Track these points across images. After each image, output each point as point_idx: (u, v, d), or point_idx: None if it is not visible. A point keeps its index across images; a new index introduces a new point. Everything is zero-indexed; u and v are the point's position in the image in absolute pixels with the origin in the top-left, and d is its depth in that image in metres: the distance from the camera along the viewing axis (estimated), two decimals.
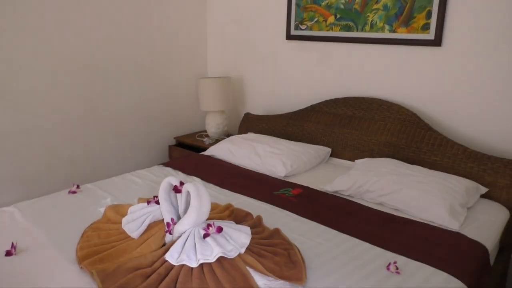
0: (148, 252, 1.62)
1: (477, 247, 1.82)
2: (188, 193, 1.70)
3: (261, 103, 3.60)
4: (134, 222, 1.75)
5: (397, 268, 1.59)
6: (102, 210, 2.03)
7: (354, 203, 2.19)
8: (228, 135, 3.73)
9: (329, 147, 2.91)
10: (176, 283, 1.44)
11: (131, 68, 3.39)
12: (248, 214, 1.96)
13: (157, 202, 1.82)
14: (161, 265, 1.52)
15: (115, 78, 3.30)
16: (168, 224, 1.67)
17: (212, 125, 3.62)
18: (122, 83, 3.35)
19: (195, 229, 1.60)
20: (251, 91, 3.67)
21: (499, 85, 2.36)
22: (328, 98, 3.07)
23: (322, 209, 2.12)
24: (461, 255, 1.74)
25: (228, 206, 1.99)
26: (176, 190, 1.70)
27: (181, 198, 1.71)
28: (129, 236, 1.73)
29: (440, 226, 1.97)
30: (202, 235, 1.57)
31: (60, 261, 1.62)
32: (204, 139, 3.61)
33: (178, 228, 1.63)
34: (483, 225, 2.01)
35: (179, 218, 1.73)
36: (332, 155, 2.90)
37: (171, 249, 1.55)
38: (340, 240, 1.82)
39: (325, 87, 3.12)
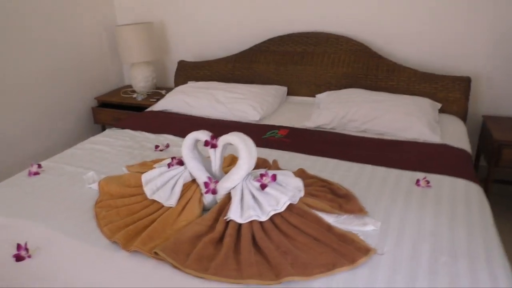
0: (194, 218, 1.45)
1: (464, 153, 2.06)
2: (224, 147, 1.53)
3: (188, 50, 3.33)
4: (163, 190, 1.53)
5: (428, 182, 1.72)
6: (94, 186, 1.72)
7: (345, 135, 2.26)
8: (158, 88, 3.41)
9: (284, 86, 2.89)
10: (254, 240, 1.32)
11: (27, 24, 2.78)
12: (265, 161, 1.86)
13: (180, 163, 1.61)
14: (226, 227, 1.38)
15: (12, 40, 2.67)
16: (206, 183, 1.50)
17: (140, 79, 3.26)
18: (21, 46, 2.73)
19: (245, 183, 1.47)
20: (173, 37, 3.34)
21: (428, 13, 2.59)
22: (270, 37, 2.99)
23: (320, 144, 2.13)
24: (459, 162, 1.95)
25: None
26: (211, 145, 1.51)
27: (215, 153, 1.54)
28: (160, 206, 1.51)
29: (425, 141, 2.17)
30: (259, 186, 1.46)
31: (93, 251, 1.34)
32: (134, 95, 3.24)
33: (224, 185, 1.48)
34: (453, 134, 2.27)
35: (213, 175, 1.56)
36: (288, 94, 2.89)
37: (231, 207, 1.40)
38: (359, 169, 1.88)
39: (263, 25, 3.01)
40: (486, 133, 2.50)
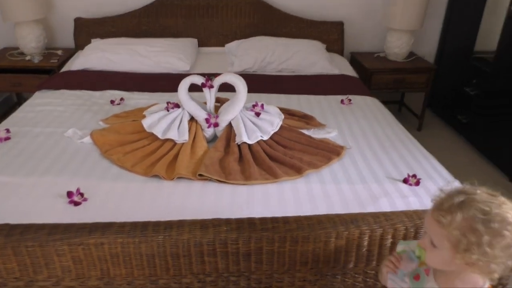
0: (205, 148, 1.75)
1: (357, 79, 2.75)
2: (217, 87, 1.82)
3: (76, 6, 3.18)
4: (172, 129, 1.75)
5: (350, 101, 2.33)
6: (86, 140, 1.81)
7: (269, 75, 2.71)
8: (49, 48, 3.22)
9: (194, 38, 3.13)
10: (267, 155, 1.70)
11: None
12: (225, 99, 2.18)
13: (176, 106, 1.83)
14: (239, 148, 1.72)
15: None
16: (207, 119, 1.79)
17: (31, 39, 3.02)
18: None
19: (242, 114, 1.81)
20: None
21: None
22: None
23: (255, 84, 2.53)
24: (358, 85, 2.62)
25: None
26: (209, 86, 1.79)
27: (210, 93, 1.81)
28: (172, 143, 1.74)
29: (328, 73, 2.78)
30: (254, 114, 1.82)
31: (137, 186, 1.53)
32: (28, 57, 3.02)
33: (225, 118, 1.79)
34: (342, 67, 2.94)
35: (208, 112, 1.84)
36: (199, 45, 3.15)
37: (238, 133, 1.74)
38: (294, 99, 2.37)
39: None
40: (357, 64, 3.25)
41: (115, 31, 3.09)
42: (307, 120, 2.02)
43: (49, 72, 2.94)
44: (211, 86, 1.79)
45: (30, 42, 3.03)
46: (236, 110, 1.79)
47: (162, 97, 2.32)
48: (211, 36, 3.15)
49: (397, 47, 3.14)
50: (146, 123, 1.79)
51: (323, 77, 2.72)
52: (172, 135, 1.73)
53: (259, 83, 2.56)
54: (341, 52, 3.25)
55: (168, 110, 1.82)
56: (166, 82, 2.54)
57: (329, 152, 1.76)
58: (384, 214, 1.30)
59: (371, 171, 1.66)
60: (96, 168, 1.62)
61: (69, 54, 3.13)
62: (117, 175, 1.59)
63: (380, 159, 1.76)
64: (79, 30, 3.08)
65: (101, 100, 2.26)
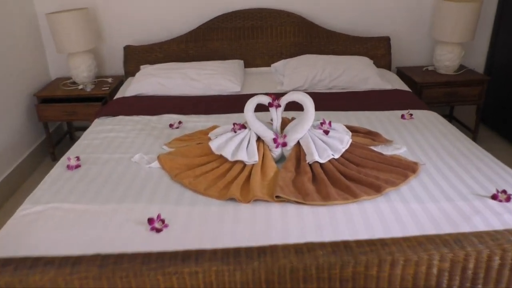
0: (275, 169, 1.71)
1: (410, 93, 2.68)
2: (283, 106, 1.79)
3: (124, 35, 3.27)
4: (241, 151, 1.72)
5: (411, 115, 2.26)
6: (154, 164, 1.80)
7: (322, 93, 2.67)
8: (99, 77, 3.30)
9: (240, 59, 3.15)
10: (342, 174, 1.65)
11: None
12: (292, 118, 2.14)
13: (243, 127, 1.81)
14: (311, 168, 1.67)
15: None
16: (275, 139, 1.76)
17: (83, 69, 3.11)
18: None
19: (310, 132, 1.77)
20: (106, 22, 3.24)
21: None
22: (214, 16, 3.17)
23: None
24: (413, 99, 2.55)
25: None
26: (276, 105, 1.76)
27: (276, 112, 1.79)
28: (242, 164, 1.71)
29: (381, 89, 2.73)
30: (323, 132, 1.78)
31: (214, 210, 1.50)
32: (80, 87, 3.09)
33: (294, 137, 1.76)
34: (394, 81, 2.88)
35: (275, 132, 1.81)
36: (245, 66, 3.16)
37: (309, 152, 1.70)
38: (353, 116, 2.32)
39: (203, 4, 3.16)
40: (406, 79, 3.19)
41: (163, 56, 3.14)
42: (373, 136, 1.97)
43: (100, 100, 3.00)
44: (278, 106, 1.76)
45: (82, 71, 3.11)
46: (305, 129, 1.75)
47: (218, 119, 2.32)
48: (257, 56, 3.16)
49: (448, 60, 3.06)
50: (213, 145, 1.77)
51: (376, 92, 2.67)
52: (242, 156, 1.70)
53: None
54: (388, 67, 3.20)
55: (235, 132, 1.80)
56: (220, 104, 2.54)
57: (404, 169, 1.69)
58: (488, 233, 1.22)
59: (454, 188, 1.58)
60: (170, 192, 1.61)
61: (119, 81, 3.19)
62: (192, 199, 1.56)
63: (460, 175, 1.68)
64: (128, 58, 3.15)
65: (160, 125, 2.27)
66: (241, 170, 1.69)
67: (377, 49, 3.17)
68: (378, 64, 3.16)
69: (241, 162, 1.71)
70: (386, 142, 1.94)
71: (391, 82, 2.86)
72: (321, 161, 1.68)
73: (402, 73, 3.25)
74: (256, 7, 3.18)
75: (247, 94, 2.68)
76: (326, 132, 1.78)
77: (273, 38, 3.13)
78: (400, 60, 3.38)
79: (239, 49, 3.14)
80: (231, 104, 2.54)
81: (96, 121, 2.38)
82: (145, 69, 2.91)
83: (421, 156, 1.84)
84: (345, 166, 1.69)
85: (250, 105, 1.77)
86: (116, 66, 3.34)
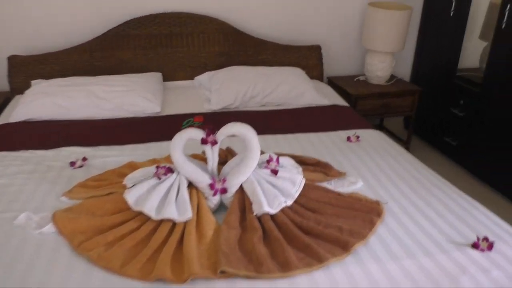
0: (215, 225, 1.34)
1: (350, 109, 2.46)
2: (220, 142, 1.42)
3: (10, 41, 2.62)
4: (168, 205, 1.32)
5: (358, 138, 2.02)
6: (47, 229, 1.32)
7: (254, 111, 2.34)
8: None
9: (157, 72, 2.70)
10: (298, 227, 1.33)
11: None
12: (229, 151, 1.78)
13: (169, 170, 1.41)
14: (260, 222, 1.33)
15: None
16: (211, 185, 1.39)
17: None
18: None
19: (255, 173, 1.43)
20: None
21: None
22: (123, 20, 2.68)
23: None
24: (354, 117, 2.33)
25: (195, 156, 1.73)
26: (211, 142, 1.38)
27: (212, 150, 1.41)
28: (170, 224, 1.31)
29: (318, 105, 2.47)
30: (270, 173, 1.44)
31: None
32: None
33: (236, 181, 1.40)
34: (329, 95, 2.66)
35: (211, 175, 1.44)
36: (164, 80, 2.72)
37: (257, 201, 1.35)
38: (288, 139, 2.03)
39: (108, 7, 2.64)
40: (338, 90, 2.98)
41: (60, 69, 2.58)
42: (324, 169, 1.68)
43: None
44: (215, 142, 1.39)
45: None
46: (249, 171, 1.40)
47: (134, 151, 1.89)
48: (177, 68, 2.74)
49: (379, 69, 2.92)
50: (131, 198, 1.35)
51: (313, 109, 2.41)
52: (170, 213, 1.30)
53: (245, 122, 2.18)
54: (321, 78, 2.98)
55: (159, 178, 1.39)
56: (136, 129, 2.10)
57: (367, 212, 1.42)
58: None
59: (427, 236, 1.34)
60: (71, 273, 1.16)
61: (3, 98, 2.57)
62: (105, 280, 1.13)
63: (428, 215, 1.45)
64: (15, 70, 2.53)
65: (57, 162, 1.76)
66: (169, 231, 1.29)
67: (308, 59, 2.93)
68: (310, 75, 2.91)
69: (169, 220, 1.31)
70: (339, 175, 1.66)
71: (327, 96, 2.62)
72: (272, 212, 1.34)
73: (333, 84, 3.05)
74: (173, 11, 2.76)
75: (169, 116, 2.26)
76: (275, 172, 1.44)
77: (195, 47, 2.73)
78: (330, 69, 3.19)
79: (155, 60, 2.69)
80: (150, 129, 2.10)
81: None
82: (37, 86, 2.34)
83: (379, 191, 1.59)
84: (301, 216, 1.37)
85: (178, 142, 1.37)
86: (0, 80, 2.69)
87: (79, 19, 2.65)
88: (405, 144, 3.10)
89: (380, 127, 3.38)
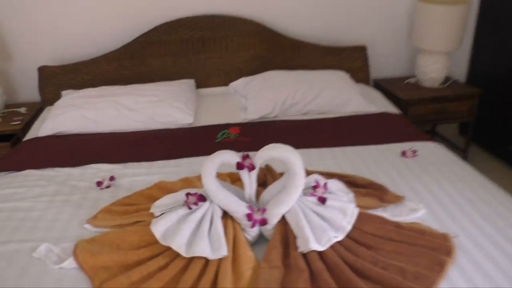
0: (254, 262, 1.15)
1: (401, 117, 2.21)
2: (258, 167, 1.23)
3: (39, 52, 2.55)
4: (200, 240, 1.15)
5: (414, 152, 1.78)
6: (67, 264, 1.18)
7: (295, 121, 2.14)
8: (9, 106, 2.57)
9: (190, 78, 2.55)
10: (352, 268, 1.12)
11: None
12: (268, 169, 1.58)
13: (201, 199, 1.23)
14: (303, 260, 1.13)
15: None
16: (249, 215, 1.20)
17: None
18: None
19: (300, 203, 1.23)
20: (14, 36, 2.50)
21: None
22: (152, 26, 2.54)
23: (280, 137, 1.94)
24: (408, 127, 2.08)
25: (231, 175, 1.55)
26: (248, 167, 1.19)
27: (249, 176, 1.22)
28: (203, 261, 1.14)
29: (365, 113, 2.24)
30: (317, 201, 1.23)
31: None
32: None
33: (277, 211, 1.20)
34: (377, 101, 2.41)
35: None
36: (197, 87, 2.56)
37: (303, 235, 1.15)
38: (335, 154, 1.81)
39: (138, 13, 2.51)
40: (386, 94, 2.72)
41: (90, 79, 2.48)
42: (379, 193, 1.45)
43: (10, 138, 2.30)
44: (252, 168, 1.20)
45: None
46: (292, 200, 1.20)
47: (164, 168, 1.73)
48: (210, 74, 2.58)
49: (433, 71, 2.64)
50: (158, 231, 1.18)
51: (361, 118, 2.17)
52: (203, 249, 1.13)
53: (285, 134, 1.99)
54: (366, 81, 2.73)
55: (189, 207, 1.22)
56: (167, 144, 1.94)
57: (434, 249, 1.19)
58: None
59: (508, 278, 1.10)
60: None
61: (35, 110, 2.50)
62: None
63: (508, 253, 1.20)
64: (45, 82, 2.46)
65: (83, 182, 1.63)
66: (202, 270, 1.12)
67: (352, 61, 2.69)
68: (355, 78, 2.67)
69: (202, 257, 1.14)
70: (396, 200, 1.43)
71: (374, 101, 2.38)
72: (321, 248, 1.14)
73: (380, 87, 2.79)
74: (205, 14, 2.59)
75: (202, 127, 2.10)
76: (323, 201, 1.24)
77: (228, 51, 2.56)
78: (376, 71, 2.93)
79: (187, 66, 2.54)
80: (182, 142, 1.95)
81: None
82: (67, 98, 2.24)
83: (445, 220, 1.35)
84: (354, 253, 1.16)
85: (211, 167, 1.19)
86: (31, 90, 2.63)
87: (108, 27, 2.54)
88: (463, 152, 2.80)
89: (432, 133, 3.09)
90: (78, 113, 2.09)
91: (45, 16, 2.46)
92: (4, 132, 2.30)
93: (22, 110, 2.49)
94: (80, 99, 2.18)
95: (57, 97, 2.41)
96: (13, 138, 2.30)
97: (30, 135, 2.12)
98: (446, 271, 1.12)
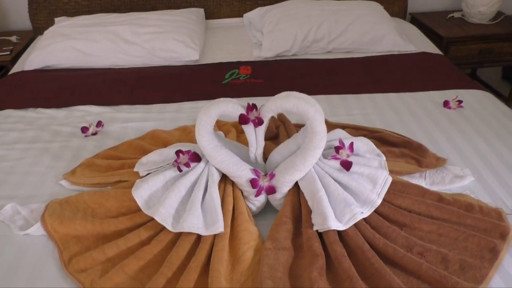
0: (256, 239, 0.93)
1: (444, 59, 1.87)
2: (267, 122, 0.97)
3: None
4: (192, 210, 0.92)
5: (459, 103, 1.47)
6: (33, 230, 0.99)
7: (317, 60, 1.84)
8: (2, 33, 2.31)
9: (199, 7, 2.22)
10: (380, 254, 0.89)
11: None
12: (281, 119, 1.32)
13: (195, 158, 0.99)
14: (319, 242, 0.90)
15: None
16: (253, 181, 0.96)
17: None
18: None
19: (317, 169, 0.98)
20: None
21: None
22: None
23: (298, 79, 1.68)
24: (451, 71, 1.75)
25: (237, 125, 1.29)
26: (255, 121, 0.93)
27: (256, 132, 0.96)
28: (195, 237, 0.92)
29: (400, 52, 1.91)
30: (339, 167, 0.98)
31: None
32: None
33: (285, 179, 0.96)
34: (415, 38, 2.06)
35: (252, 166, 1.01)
36: (206, 18, 2.24)
37: (318, 211, 0.91)
38: (362, 102, 1.53)
39: None
40: (424, 30, 2.34)
41: (86, 4, 2.18)
42: (416, 154, 1.18)
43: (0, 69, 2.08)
44: (260, 122, 0.93)
45: None
46: (308, 166, 0.95)
47: (163, 114, 1.49)
48: (222, 2, 2.24)
49: (483, 4, 2.23)
50: (140, 196, 0.96)
51: (395, 58, 1.85)
52: (193, 224, 0.90)
53: (304, 76, 1.70)
54: (403, 15, 2.35)
55: (179, 169, 0.98)
56: (167, 84, 1.68)
57: (485, 231, 0.94)
58: None
59: None
60: None
61: (28, 39, 2.24)
62: None
63: None
64: (36, 6, 2.17)
65: (67, 128, 1.41)
66: (191, 249, 0.90)
67: None
68: (390, 11, 2.28)
69: (192, 233, 0.92)
70: (438, 163, 1.16)
71: (411, 39, 2.03)
72: (342, 227, 0.90)
73: (419, 22, 2.41)
74: None
75: (209, 65, 1.82)
76: (347, 166, 0.98)
77: None
78: (414, 3, 2.51)
79: None
80: (184, 82, 1.68)
81: None
82: (58, 25, 1.96)
83: (498, 191, 1.09)
84: (384, 235, 0.92)
85: (207, 120, 0.93)
86: (24, 16, 2.35)
87: None
88: (507, 101, 2.45)
89: (471, 76, 2.72)
90: (69, 44, 1.82)
91: None
92: None
93: (13, 38, 2.24)
94: (72, 28, 1.90)
95: (50, 24, 2.14)
96: (2, 70, 2.07)
97: (16, 68, 1.89)
98: (500, 261, 0.88)
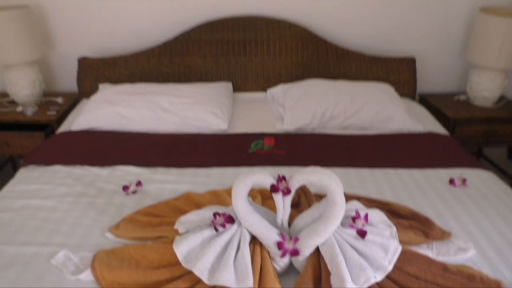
0: None
1: (451, 140, 2.03)
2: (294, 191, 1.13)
3: (81, 43, 2.54)
4: (225, 266, 1.06)
5: (464, 181, 1.62)
6: (84, 276, 1.12)
7: (334, 136, 2.02)
8: (47, 95, 2.58)
9: (227, 81, 2.47)
10: None
11: None
12: (304, 190, 1.47)
13: (229, 220, 1.14)
14: None
15: None
16: (279, 244, 1.10)
17: (23, 85, 2.39)
18: None
19: (336, 235, 1.12)
20: (56, 26, 2.49)
21: None
22: (196, 24, 2.49)
23: (317, 152, 1.86)
24: (458, 151, 1.91)
25: (263, 192, 1.46)
26: (284, 190, 1.09)
27: (283, 200, 1.12)
28: None
29: (409, 132, 2.09)
30: (356, 235, 1.12)
31: None
32: (19, 109, 2.37)
33: (309, 242, 1.10)
34: (424, 119, 2.24)
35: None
36: (234, 90, 2.48)
37: (336, 274, 1.04)
38: (374, 176, 1.68)
39: (183, 9, 2.46)
40: (432, 111, 2.55)
41: (128, 74, 2.44)
42: (423, 227, 1.32)
43: (45, 127, 2.30)
44: (288, 191, 1.10)
45: (22, 88, 2.41)
46: (328, 232, 1.09)
47: (195, 178, 1.66)
48: (249, 78, 2.49)
49: (487, 89, 2.44)
50: (181, 251, 1.10)
51: (405, 137, 2.02)
52: (227, 279, 1.04)
53: (322, 149, 1.88)
54: (412, 96, 2.57)
55: (215, 229, 1.13)
56: (199, 150, 1.87)
57: None
58: None
59: None
60: None
61: (72, 101, 2.49)
62: None
63: None
64: (84, 73, 2.44)
65: (110, 185, 1.58)
66: None
67: (399, 73, 2.52)
68: (400, 92, 2.52)
69: (224, 286, 1.05)
70: (443, 236, 1.29)
71: (419, 119, 2.22)
72: None
73: (427, 103, 2.62)
74: (250, 15, 2.51)
75: (236, 135, 2.01)
76: (362, 234, 1.12)
77: (270, 55, 2.46)
78: (423, 85, 2.75)
79: (226, 68, 2.46)
80: (214, 149, 1.87)
81: (21, 172, 1.68)
82: (103, 92, 2.21)
83: (499, 265, 1.20)
84: None
85: (242, 188, 1.10)
86: (69, 80, 2.63)
87: (151, 22, 2.50)
88: (511, 179, 2.59)
89: (478, 155, 2.88)
90: (113, 109, 2.05)
91: (90, 6, 2.44)
92: (40, 122, 2.30)
93: (59, 100, 2.49)
94: (116, 95, 2.14)
95: (94, 89, 2.40)
96: (47, 128, 2.29)
97: (63, 127, 2.10)
98: None
